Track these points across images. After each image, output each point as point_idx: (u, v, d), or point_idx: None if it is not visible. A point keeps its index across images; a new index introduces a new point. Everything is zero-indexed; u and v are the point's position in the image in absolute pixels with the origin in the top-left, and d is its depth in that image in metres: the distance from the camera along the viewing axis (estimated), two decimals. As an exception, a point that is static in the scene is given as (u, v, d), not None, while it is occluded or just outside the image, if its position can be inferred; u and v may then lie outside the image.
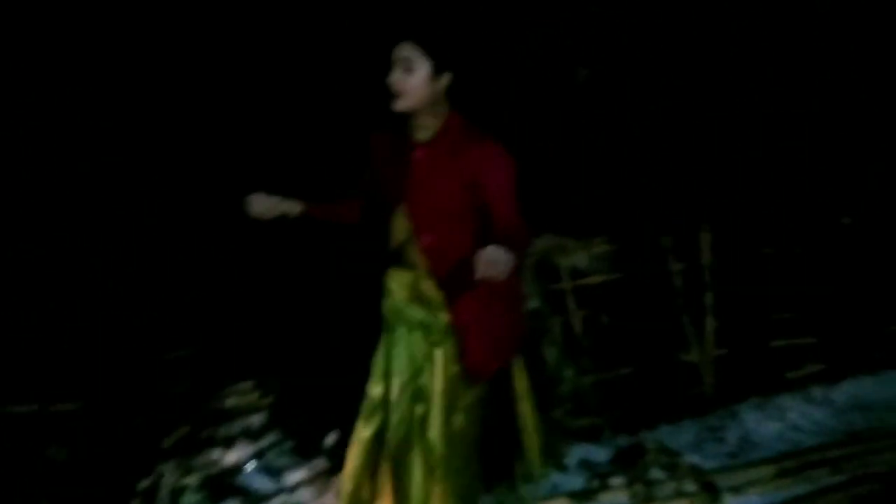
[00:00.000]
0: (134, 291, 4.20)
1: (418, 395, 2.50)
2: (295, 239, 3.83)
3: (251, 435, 3.74)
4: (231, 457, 3.60)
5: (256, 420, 3.83)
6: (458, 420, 2.50)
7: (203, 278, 4.40)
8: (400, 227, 2.52)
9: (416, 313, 2.51)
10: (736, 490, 3.42)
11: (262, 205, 2.57)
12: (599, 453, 3.67)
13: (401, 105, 2.41)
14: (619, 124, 4.25)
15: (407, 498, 2.46)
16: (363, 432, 2.56)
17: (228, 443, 3.69)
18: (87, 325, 3.99)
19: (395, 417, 2.50)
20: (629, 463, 3.56)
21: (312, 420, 3.72)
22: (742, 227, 4.50)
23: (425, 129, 2.48)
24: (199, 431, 3.74)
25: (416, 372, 2.50)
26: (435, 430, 2.48)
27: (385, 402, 2.54)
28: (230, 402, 3.92)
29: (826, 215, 4.80)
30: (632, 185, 4.37)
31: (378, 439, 2.55)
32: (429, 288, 2.49)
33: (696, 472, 3.51)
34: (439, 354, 2.49)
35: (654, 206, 4.36)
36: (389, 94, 2.42)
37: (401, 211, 2.51)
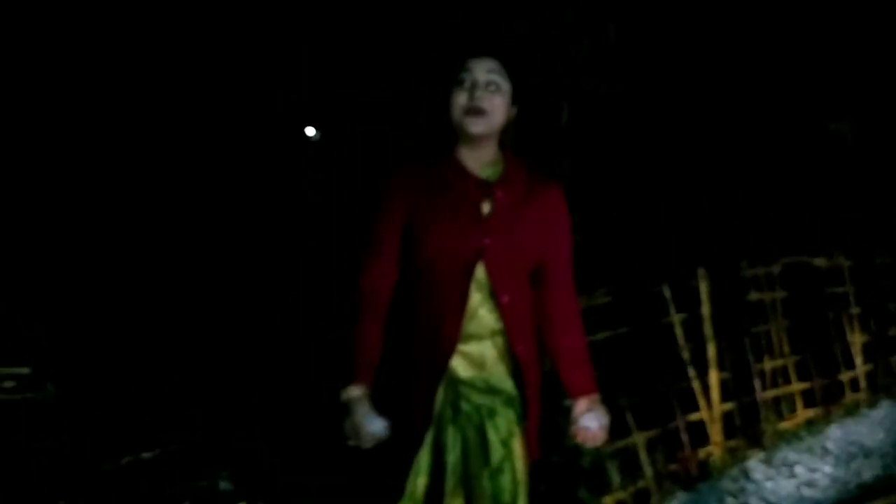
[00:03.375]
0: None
1: (500, 484, 2.04)
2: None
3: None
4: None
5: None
6: None
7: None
8: (476, 284, 2.04)
9: (507, 386, 2.06)
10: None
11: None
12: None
13: (484, 125, 2.01)
14: (607, 172, 3.95)
15: None
16: None
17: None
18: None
19: None
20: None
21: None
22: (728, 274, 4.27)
23: (489, 166, 2.07)
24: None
25: (501, 457, 2.04)
26: None
27: (433, 499, 2.05)
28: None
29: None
30: (627, 233, 4.05)
31: None
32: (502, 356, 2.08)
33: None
34: (518, 433, 2.07)
35: (651, 255, 4.06)
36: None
37: (466, 264, 2.02)
